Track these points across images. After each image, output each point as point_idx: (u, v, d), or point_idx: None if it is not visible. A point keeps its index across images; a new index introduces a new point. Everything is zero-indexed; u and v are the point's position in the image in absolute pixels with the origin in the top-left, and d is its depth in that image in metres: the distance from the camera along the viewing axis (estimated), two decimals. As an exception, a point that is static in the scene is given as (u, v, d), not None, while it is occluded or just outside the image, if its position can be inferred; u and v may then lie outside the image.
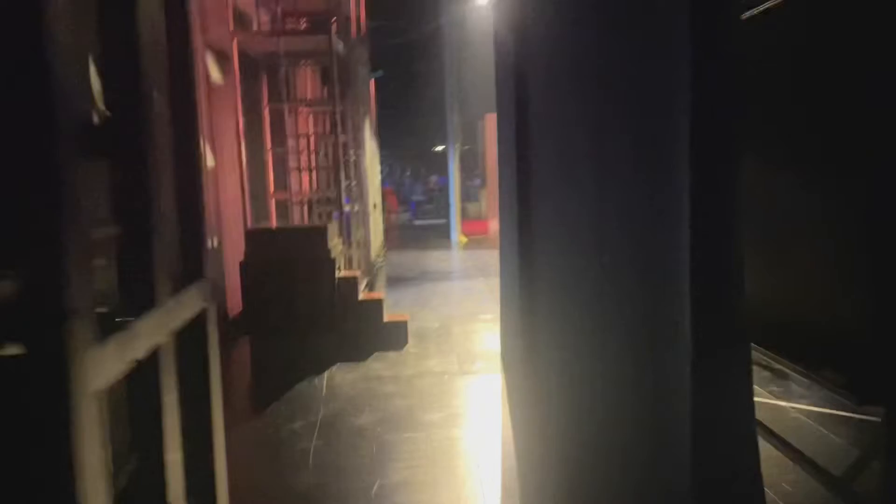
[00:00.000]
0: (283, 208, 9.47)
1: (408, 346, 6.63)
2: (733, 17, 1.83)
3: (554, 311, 4.04)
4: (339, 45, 8.56)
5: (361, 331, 6.73)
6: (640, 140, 2.36)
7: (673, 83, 1.89)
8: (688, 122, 1.81)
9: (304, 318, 6.46)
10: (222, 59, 7.70)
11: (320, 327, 6.47)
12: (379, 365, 6.03)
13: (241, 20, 8.46)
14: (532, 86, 4.60)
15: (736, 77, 1.77)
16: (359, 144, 10.55)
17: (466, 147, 20.52)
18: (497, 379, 5.57)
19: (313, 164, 11.06)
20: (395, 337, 6.75)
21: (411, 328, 7.07)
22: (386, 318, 6.85)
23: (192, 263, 2.22)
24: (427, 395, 5.19)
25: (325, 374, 5.82)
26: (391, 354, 6.35)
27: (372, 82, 14.81)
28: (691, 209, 1.82)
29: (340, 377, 5.76)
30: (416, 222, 22.61)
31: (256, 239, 6.55)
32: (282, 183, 9.05)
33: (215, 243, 7.28)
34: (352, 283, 6.81)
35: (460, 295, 9.27)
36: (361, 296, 7.03)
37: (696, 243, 1.81)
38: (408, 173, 33.59)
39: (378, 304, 6.86)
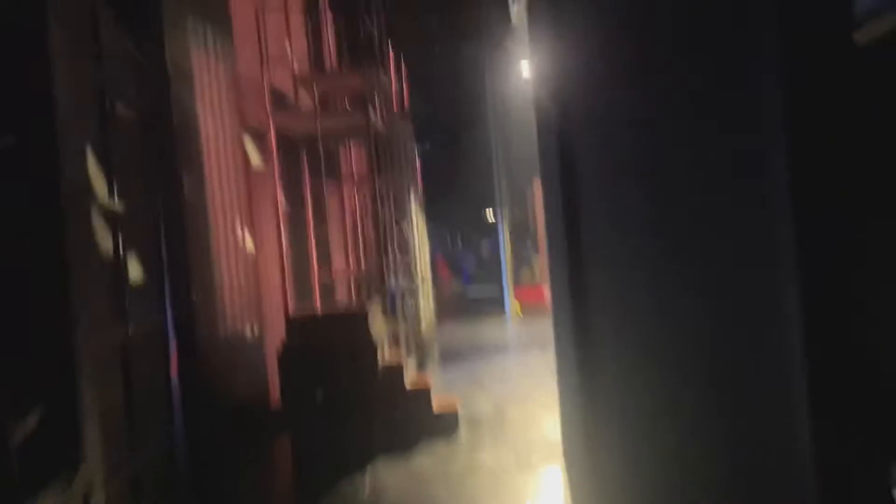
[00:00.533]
0: (327, 287, 9.20)
1: (459, 435, 6.11)
2: (838, 38, 1.37)
3: (616, 394, 3.57)
4: (379, 122, 8.39)
5: (409, 420, 6.25)
6: (715, 205, 1.91)
7: (757, 130, 1.44)
8: (785, 181, 1.35)
9: (347, 409, 6.03)
10: (261, 141, 7.58)
11: (364, 418, 6.02)
12: (427, 460, 5.53)
13: (280, 101, 8.39)
14: (578, 149, 4.21)
15: (848, 116, 1.31)
16: (404, 217, 10.30)
17: (516, 212, 20.18)
18: (559, 474, 4.99)
19: (359, 241, 10.85)
20: (444, 425, 6.24)
21: (463, 412, 6.55)
22: (435, 407, 6.36)
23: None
24: (480, 498, 4.65)
25: (369, 471, 5.34)
26: (440, 447, 5.84)
27: (417, 155, 14.72)
28: (800, 289, 1.34)
29: (385, 475, 5.27)
30: (469, 291, 22.18)
31: (296, 327, 6.23)
32: (326, 261, 8.78)
33: (256, 331, 6.98)
34: (397, 371, 6.37)
35: (516, 372, 8.73)
36: (408, 384, 6.58)
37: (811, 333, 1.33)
38: (459, 242, 33.41)
39: (426, 394, 6.39)
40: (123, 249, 3.49)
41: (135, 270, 3.70)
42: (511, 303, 15.50)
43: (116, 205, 3.46)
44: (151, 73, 5.21)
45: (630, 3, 2.67)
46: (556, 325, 5.57)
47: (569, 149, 4.45)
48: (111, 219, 3.41)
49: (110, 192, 3.42)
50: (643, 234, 2.80)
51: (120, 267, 3.44)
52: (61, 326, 2.70)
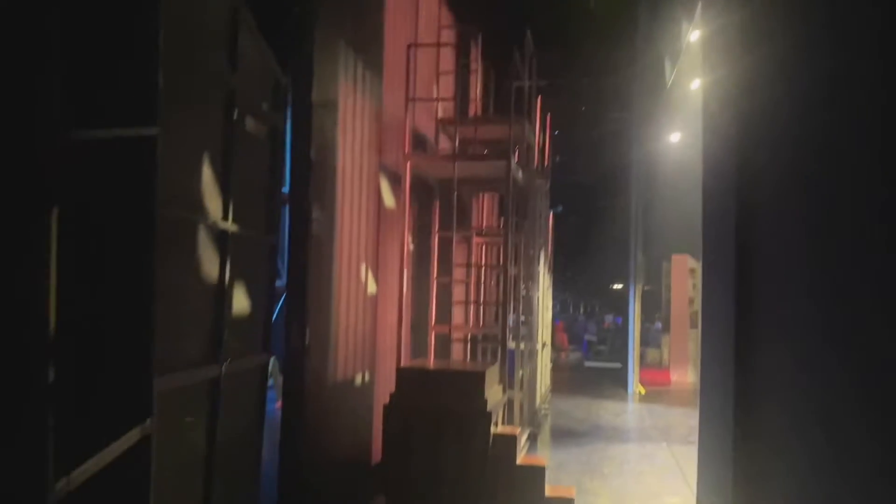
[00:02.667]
0: (443, 342, 8.71)
1: (572, 531, 5.33)
2: None
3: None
4: (519, 174, 7.94)
5: (517, 500, 5.55)
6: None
7: None
8: None
9: (451, 480, 5.43)
10: (396, 182, 7.32)
11: (468, 495, 5.39)
12: (534, 556, 4.79)
13: (420, 144, 8.16)
14: (763, 228, 3.54)
15: None
16: (531, 278, 9.71)
17: (648, 288, 19.06)
18: None
19: (481, 297, 10.36)
20: (557, 516, 5.49)
21: (578, 504, 5.78)
22: (548, 492, 5.63)
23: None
24: None
25: (467, 561, 4.68)
26: (551, 542, 5.09)
27: (551, 216, 14.17)
28: None
29: (485, 567, 4.59)
30: (588, 363, 21.07)
31: (407, 378, 5.73)
32: (445, 315, 8.32)
33: (366, 378, 6.57)
34: (510, 442, 5.71)
35: (638, 464, 7.79)
36: (520, 459, 5.90)
37: None
38: (581, 311, 32.31)
39: (540, 471, 5.68)
40: (230, 276, 3.14)
41: (240, 301, 3.35)
42: (635, 381, 14.40)
43: (230, 226, 3.12)
44: (295, 96, 5.03)
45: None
46: (705, 418, 4.76)
47: (748, 224, 3.79)
48: (221, 242, 3.07)
49: (225, 211, 3.09)
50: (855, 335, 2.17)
51: (224, 296, 3.08)
52: (139, 358, 2.32)
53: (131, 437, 2.28)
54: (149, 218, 2.34)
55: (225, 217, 3.09)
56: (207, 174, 2.94)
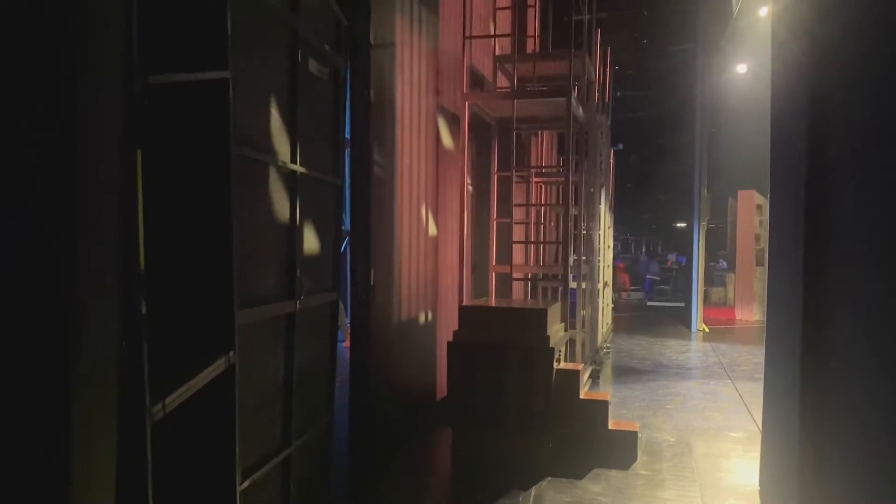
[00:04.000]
0: (504, 282, 8.78)
1: (636, 464, 5.43)
2: None
3: (851, 451, 2.84)
4: (579, 111, 7.80)
5: (580, 436, 5.66)
6: None
7: None
8: None
9: (515, 413, 5.56)
10: (454, 122, 7.30)
11: (532, 427, 5.52)
12: (599, 488, 4.91)
13: (477, 83, 8.08)
14: (836, 165, 3.42)
15: None
16: (592, 218, 9.63)
17: (713, 225, 18.63)
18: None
19: (541, 236, 10.34)
20: (620, 450, 5.58)
21: (641, 439, 5.86)
22: (611, 425, 5.72)
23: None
24: (659, 544, 3.98)
25: (532, 493, 4.83)
26: (615, 475, 5.19)
27: (612, 154, 13.90)
28: None
29: (547, 497, 4.74)
30: (650, 303, 20.89)
31: (469, 317, 5.83)
32: (506, 255, 8.37)
33: (429, 317, 6.72)
34: (573, 377, 5.80)
35: (702, 400, 7.79)
36: (583, 394, 5.98)
37: None
38: (643, 250, 31.86)
39: (603, 405, 5.75)
40: (301, 217, 3.24)
41: (310, 241, 3.46)
42: (698, 320, 14.25)
43: (298, 168, 3.21)
44: (354, 36, 5.04)
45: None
46: (773, 356, 4.72)
47: (819, 160, 3.66)
48: (291, 183, 3.16)
49: (293, 153, 3.17)
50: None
51: (295, 235, 3.19)
52: (221, 293, 2.45)
53: (217, 366, 2.43)
54: (225, 158, 2.43)
55: (293, 159, 3.17)
56: (275, 116, 3.02)
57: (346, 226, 6.78)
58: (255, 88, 2.85)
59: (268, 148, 2.96)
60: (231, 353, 2.50)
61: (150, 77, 2.09)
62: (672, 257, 26.35)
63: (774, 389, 4.63)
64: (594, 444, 5.61)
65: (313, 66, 3.36)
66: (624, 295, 22.19)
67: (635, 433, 5.66)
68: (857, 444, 2.96)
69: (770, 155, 4.79)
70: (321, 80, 3.56)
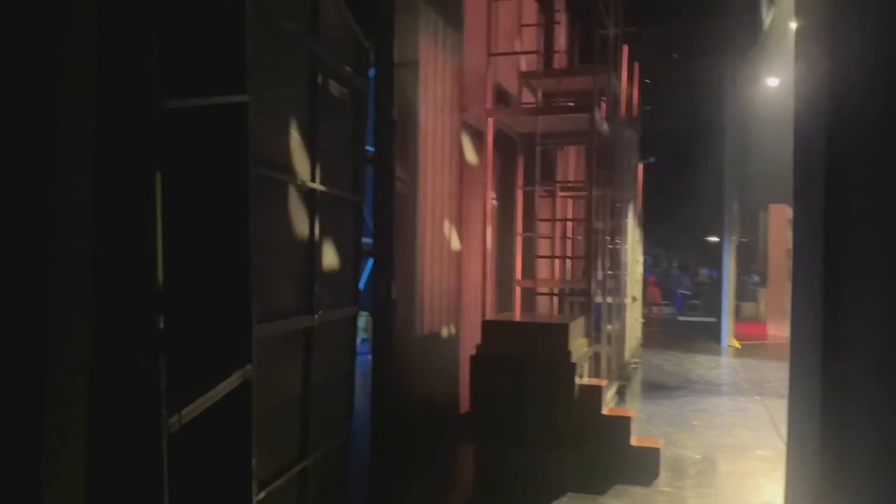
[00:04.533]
0: (529, 297, 8.79)
1: (659, 481, 5.39)
2: None
3: (868, 463, 2.79)
4: (604, 126, 7.82)
5: (603, 452, 5.64)
6: None
7: None
8: None
9: (537, 428, 5.57)
10: (478, 138, 7.37)
11: (554, 442, 5.52)
12: None
13: (502, 98, 8.14)
14: (852, 173, 3.41)
15: None
16: (619, 232, 9.60)
17: (744, 240, 18.39)
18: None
19: (568, 251, 10.33)
20: (643, 466, 5.54)
21: (665, 456, 5.81)
22: (634, 441, 5.69)
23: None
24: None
25: (552, 505, 4.83)
26: (637, 491, 5.16)
27: (640, 167, 13.85)
28: None
29: (569, 512, 4.73)
30: (681, 318, 20.64)
31: (492, 331, 5.87)
32: (531, 270, 8.38)
33: (452, 332, 6.76)
34: (595, 392, 5.79)
35: (730, 417, 7.70)
36: (606, 409, 5.96)
37: None
38: (675, 264, 31.49)
39: (625, 421, 5.73)
40: (320, 233, 3.32)
41: (329, 256, 3.53)
42: (729, 335, 14.05)
43: (318, 186, 3.29)
44: (377, 59, 5.14)
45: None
46: (796, 371, 4.67)
47: (839, 172, 3.64)
48: (310, 201, 3.25)
49: (312, 172, 3.26)
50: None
51: (314, 251, 3.27)
52: (239, 307, 2.53)
53: (234, 380, 2.51)
54: (244, 178, 2.52)
55: (313, 177, 3.26)
56: (295, 137, 3.11)
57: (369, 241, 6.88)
58: (276, 110, 2.95)
59: (287, 167, 3.05)
60: (248, 367, 2.58)
61: (170, 102, 2.19)
62: (704, 272, 26.00)
63: (798, 407, 4.58)
64: (616, 460, 5.58)
65: (334, 87, 3.45)
66: (655, 310, 21.97)
67: (658, 449, 5.63)
68: (878, 464, 2.94)
69: (793, 167, 4.77)
70: (341, 101, 3.65)
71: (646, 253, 18.52)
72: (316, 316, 3.27)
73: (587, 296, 7.41)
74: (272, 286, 2.94)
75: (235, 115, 2.48)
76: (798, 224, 4.70)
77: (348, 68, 3.69)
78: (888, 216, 2.95)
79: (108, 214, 1.95)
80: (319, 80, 3.26)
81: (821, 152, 3.84)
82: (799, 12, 5.18)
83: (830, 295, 3.66)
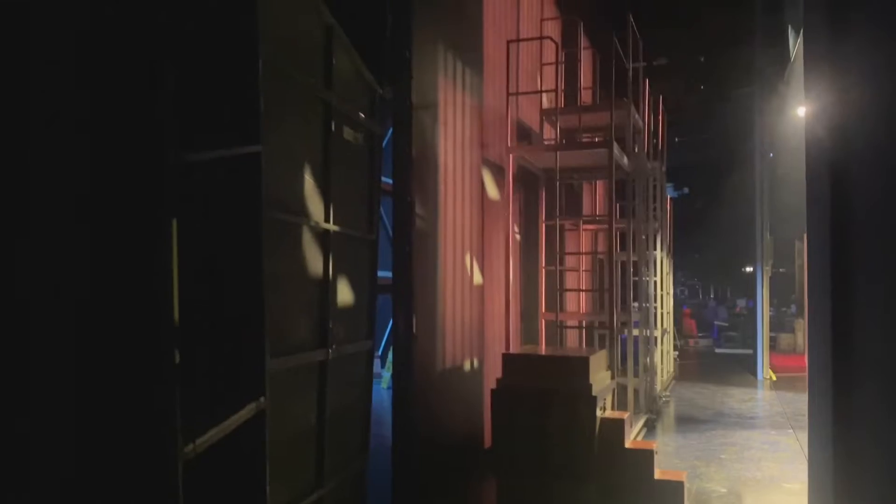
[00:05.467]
0: (554, 329, 8.84)
1: (681, 514, 5.36)
2: None
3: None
4: (624, 160, 7.92)
5: (625, 486, 5.63)
6: None
7: None
8: None
9: (559, 461, 5.60)
10: (499, 174, 7.53)
11: (576, 475, 5.54)
12: (639, 537, 4.88)
13: (524, 135, 8.31)
14: (856, 200, 3.48)
15: None
16: (646, 264, 9.62)
17: (781, 270, 18.14)
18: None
19: (595, 284, 10.36)
20: (666, 499, 5.53)
21: (690, 489, 5.78)
22: (657, 475, 5.67)
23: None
24: None
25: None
26: (657, 524, 5.15)
27: (668, 199, 13.85)
28: None
29: (589, 545, 4.74)
30: (718, 350, 20.32)
31: (512, 364, 5.95)
32: (555, 302, 8.45)
33: (475, 364, 6.85)
34: (617, 426, 5.80)
35: (760, 450, 7.60)
36: (629, 443, 5.96)
37: None
38: (711, 295, 31.07)
39: (648, 454, 5.72)
40: (334, 271, 3.49)
41: (344, 293, 3.70)
42: (764, 367, 13.83)
43: (331, 227, 3.47)
44: (397, 101, 5.35)
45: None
46: (813, 400, 4.66)
47: (843, 200, 3.71)
48: (324, 240, 3.42)
49: (326, 213, 3.44)
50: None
51: (328, 288, 3.43)
52: (254, 342, 2.69)
53: (248, 411, 2.66)
54: (256, 222, 2.70)
55: (326, 218, 3.44)
56: (309, 181, 3.30)
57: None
58: (291, 156, 3.15)
59: (302, 210, 3.24)
60: (262, 398, 2.73)
61: (187, 154, 2.38)
62: (741, 303, 25.61)
63: (816, 441, 4.56)
64: (639, 494, 5.57)
65: (347, 133, 3.65)
66: (691, 342, 21.67)
67: (682, 483, 5.60)
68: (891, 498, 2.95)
69: (806, 201, 4.82)
70: (355, 145, 3.84)
71: (680, 284, 18.35)
72: (330, 350, 3.42)
73: (610, 328, 7.44)
74: (288, 322, 3.11)
75: (250, 164, 2.67)
76: (810, 259, 4.74)
77: (361, 114, 3.88)
78: (890, 255, 3.01)
79: (129, 257, 2.14)
80: (333, 127, 3.46)
81: (826, 182, 3.91)
82: (805, 42, 5.28)
83: (839, 327, 3.69)
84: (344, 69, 3.65)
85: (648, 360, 9.52)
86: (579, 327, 10.00)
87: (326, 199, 3.44)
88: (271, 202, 2.83)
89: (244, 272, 2.71)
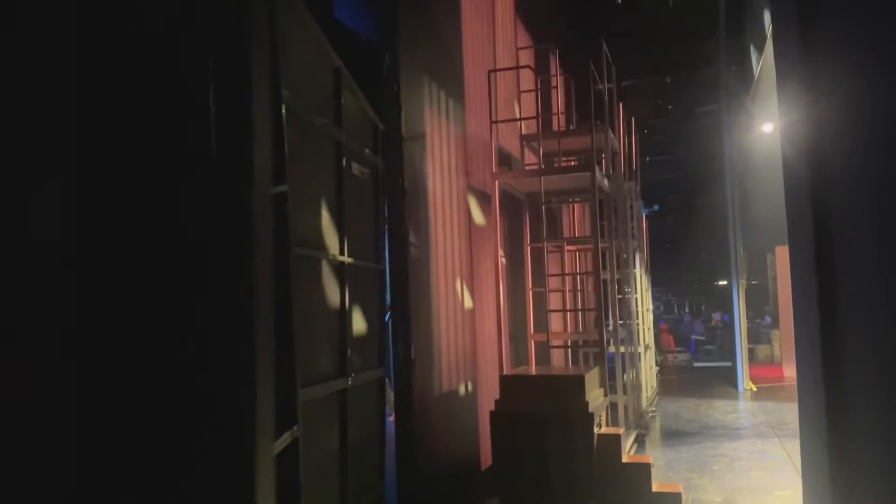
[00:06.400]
0: (543, 350, 9.01)
1: (681, 525, 5.51)
2: None
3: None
4: (604, 182, 8.18)
5: (625, 500, 5.78)
6: None
7: None
8: None
9: (558, 479, 5.73)
10: (485, 201, 7.73)
11: (576, 492, 5.68)
12: (644, 548, 5.02)
13: (505, 162, 8.54)
14: (836, 212, 3.70)
15: None
16: (627, 282, 9.86)
17: (754, 282, 18.57)
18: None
19: (578, 303, 10.56)
20: (665, 511, 5.68)
21: (686, 500, 5.94)
22: (655, 487, 5.83)
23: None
24: None
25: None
26: (659, 535, 5.29)
27: (644, 217, 14.18)
28: None
29: (596, 559, 4.87)
30: (696, 364, 20.65)
31: (510, 386, 6.09)
32: (543, 323, 8.63)
33: (470, 387, 6.98)
34: (614, 441, 5.96)
35: (749, 460, 7.80)
36: (626, 457, 6.12)
37: None
38: (687, 310, 31.53)
39: (645, 468, 5.89)
40: (349, 302, 3.62)
41: (358, 322, 3.83)
42: (745, 379, 14.12)
43: (346, 259, 3.61)
44: (387, 134, 5.53)
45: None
46: (803, 409, 4.86)
47: (823, 212, 3.93)
48: (340, 273, 3.56)
49: (341, 246, 3.58)
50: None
51: (346, 319, 3.57)
52: (286, 375, 2.81)
53: (284, 440, 2.77)
54: (285, 258, 2.83)
55: (342, 251, 3.58)
56: (325, 216, 3.44)
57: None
58: (309, 193, 3.29)
59: (320, 244, 3.38)
60: (295, 427, 2.85)
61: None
62: (717, 316, 26.06)
63: (808, 448, 4.75)
64: (639, 506, 5.72)
65: (356, 168, 3.80)
66: (670, 357, 21.96)
67: (679, 494, 5.76)
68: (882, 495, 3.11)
69: (786, 213, 5.05)
70: (362, 180, 4.00)
71: (658, 300, 18.68)
72: (349, 379, 3.54)
73: (600, 346, 7.62)
74: (313, 353, 3.23)
75: (278, 203, 2.82)
76: (794, 270, 4.96)
77: (366, 149, 4.05)
78: (872, 262, 3.20)
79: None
80: (344, 163, 3.61)
81: (806, 194, 4.12)
82: (776, 55, 5.54)
83: (827, 334, 3.89)
84: (351, 108, 3.82)
85: (634, 375, 9.71)
86: (565, 346, 10.17)
87: (341, 233, 3.58)
88: (295, 239, 2.97)
89: (276, 307, 2.83)
